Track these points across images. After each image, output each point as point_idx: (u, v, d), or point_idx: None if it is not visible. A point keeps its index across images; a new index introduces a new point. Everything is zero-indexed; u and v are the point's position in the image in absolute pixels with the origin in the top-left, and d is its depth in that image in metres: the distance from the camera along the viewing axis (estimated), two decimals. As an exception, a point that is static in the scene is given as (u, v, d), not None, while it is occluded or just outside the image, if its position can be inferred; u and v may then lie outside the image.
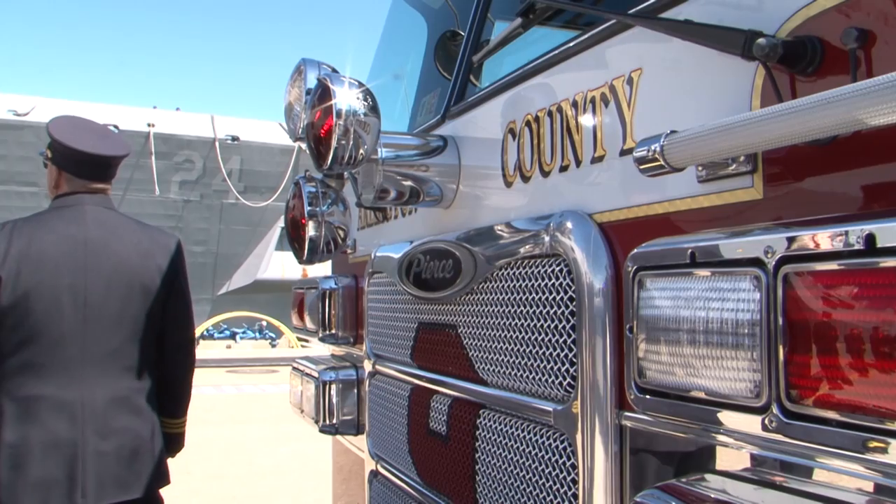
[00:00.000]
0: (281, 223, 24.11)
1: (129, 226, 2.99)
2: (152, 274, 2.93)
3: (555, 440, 1.49)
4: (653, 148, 1.16)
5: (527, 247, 1.63)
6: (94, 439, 2.73)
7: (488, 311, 1.75)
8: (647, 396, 1.23)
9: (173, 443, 3.10)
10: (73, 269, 2.79)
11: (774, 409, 0.99)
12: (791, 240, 0.97)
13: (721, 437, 1.14)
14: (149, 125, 22.88)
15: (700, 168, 1.23)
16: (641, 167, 1.20)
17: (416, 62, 3.13)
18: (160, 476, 2.94)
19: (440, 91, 2.59)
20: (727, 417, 1.09)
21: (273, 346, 23.45)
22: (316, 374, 2.84)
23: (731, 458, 1.15)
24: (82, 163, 2.93)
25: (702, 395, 1.12)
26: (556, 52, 1.69)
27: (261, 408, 12.20)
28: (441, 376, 1.99)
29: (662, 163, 1.15)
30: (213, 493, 6.77)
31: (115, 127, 21.12)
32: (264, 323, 24.48)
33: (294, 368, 3.17)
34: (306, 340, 22.01)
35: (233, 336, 24.38)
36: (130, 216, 3.10)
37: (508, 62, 2.08)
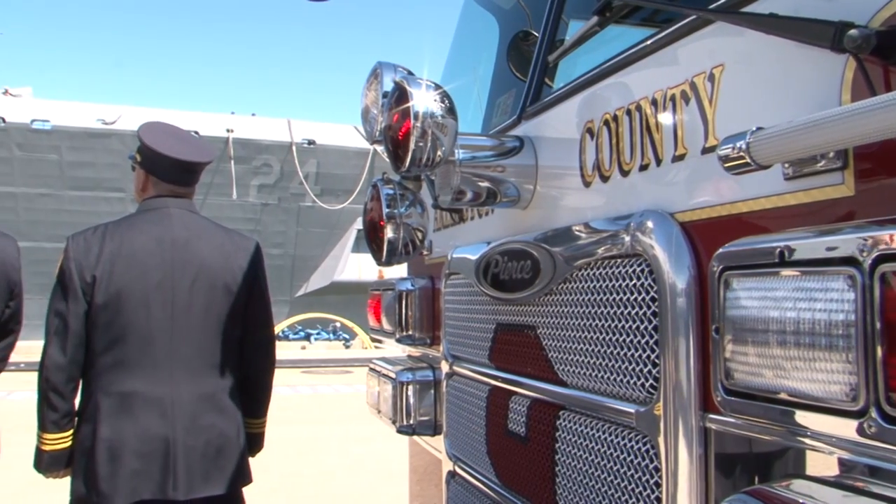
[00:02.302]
0: (357, 225, 24.37)
1: (211, 228, 3.08)
2: (234, 275, 3.01)
3: (637, 442, 1.47)
4: (738, 145, 1.14)
5: (607, 247, 1.61)
6: (183, 435, 2.83)
7: (568, 311, 1.74)
8: (735, 398, 1.20)
9: (253, 442, 3.17)
10: (161, 269, 2.90)
11: (873, 414, 0.96)
12: (890, 237, 0.94)
13: (811, 441, 1.11)
14: (227, 131, 23.40)
15: (786, 165, 1.20)
16: (726, 165, 1.18)
17: (489, 63, 3.13)
18: (243, 474, 3.02)
19: (515, 92, 2.59)
20: (819, 421, 1.05)
21: (347, 347, 23.68)
22: (393, 375, 2.86)
23: (822, 462, 1.11)
24: (169, 168, 3.03)
25: (792, 397, 1.09)
26: (634, 49, 1.66)
27: (335, 408, 12.34)
28: (520, 377, 1.98)
29: (748, 160, 1.13)
30: (290, 492, 6.87)
31: (196, 133, 21.72)
32: (338, 324, 24.74)
33: (371, 369, 3.20)
34: (380, 341, 22.07)
35: (307, 337, 24.71)
36: (212, 219, 3.18)
37: (583, 61, 2.07)
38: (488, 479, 2.17)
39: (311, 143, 24.63)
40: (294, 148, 24.29)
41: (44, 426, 2.88)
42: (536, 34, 2.75)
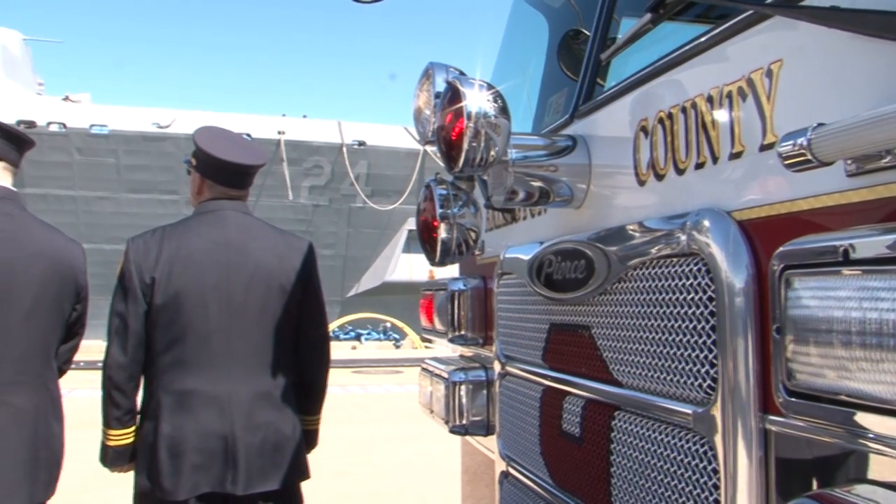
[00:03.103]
0: (408, 226, 24.49)
1: (265, 230, 3.13)
2: (288, 275, 3.06)
3: (694, 443, 1.45)
4: (799, 142, 1.11)
5: (662, 246, 1.59)
6: (241, 432, 2.89)
7: (623, 311, 1.73)
8: (797, 400, 1.18)
9: (308, 439, 3.21)
10: (218, 270, 2.95)
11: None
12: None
13: (876, 445, 1.08)
14: (279, 133, 23.69)
15: (849, 161, 1.17)
16: (786, 162, 1.15)
17: (538, 63, 3.12)
18: (299, 470, 3.07)
19: (567, 91, 2.57)
20: (885, 423, 1.03)
21: (397, 347, 23.80)
22: (446, 375, 2.86)
23: (887, 466, 1.09)
24: (225, 171, 3.09)
25: (857, 399, 1.06)
26: (689, 46, 1.64)
27: (385, 407, 12.40)
28: (574, 377, 1.97)
29: (810, 157, 1.10)
30: (340, 491, 6.93)
31: (248, 135, 22.09)
32: (388, 324, 24.87)
33: (423, 369, 3.21)
34: (430, 341, 22.16)
35: (357, 337, 24.89)
36: (266, 221, 3.23)
37: (635, 59, 2.05)
38: (542, 479, 2.17)
39: (361, 144, 24.82)
40: (345, 149, 24.50)
41: (108, 423, 2.97)
42: (587, 32, 2.72)
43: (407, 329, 23.80)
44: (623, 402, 1.73)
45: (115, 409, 2.95)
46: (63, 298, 2.99)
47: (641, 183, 1.79)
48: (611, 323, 1.79)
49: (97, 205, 23.89)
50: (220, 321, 2.93)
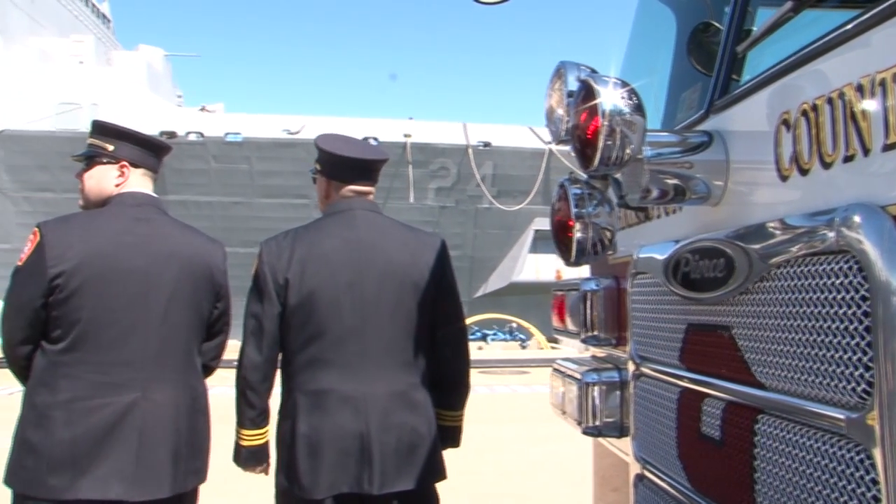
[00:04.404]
0: (535, 226, 24.45)
1: (396, 227, 3.18)
2: (421, 272, 3.09)
3: (849, 451, 1.38)
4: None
5: (808, 244, 1.53)
6: (376, 431, 2.92)
7: (766, 311, 1.67)
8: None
9: (448, 435, 3.23)
10: (350, 268, 3.01)
11: None
12: None
13: None
14: (405, 136, 24.07)
15: None
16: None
17: (666, 58, 3.06)
18: (435, 470, 3.09)
19: (700, 85, 2.51)
20: None
21: (523, 347, 23.74)
22: (579, 376, 2.83)
23: None
24: (350, 169, 3.17)
25: None
26: (835, 34, 1.57)
27: (512, 408, 12.39)
28: (713, 379, 1.92)
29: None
30: (470, 490, 6.96)
31: (375, 139, 22.56)
32: (514, 325, 24.84)
33: (555, 370, 3.19)
34: (556, 341, 22.08)
35: (483, 338, 24.95)
36: (395, 219, 3.28)
37: (772, 51, 1.97)
38: (679, 483, 2.12)
39: (486, 145, 24.94)
40: (470, 150, 24.66)
41: (242, 423, 3.08)
42: (718, 25, 2.65)
43: (533, 329, 23.71)
44: (766, 404, 1.67)
45: (249, 410, 3.05)
46: (200, 298, 3.09)
47: (784, 178, 1.73)
48: (753, 323, 1.73)
49: (232, 209, 24.91)
50: (353, 320, 2.99)
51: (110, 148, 3.12)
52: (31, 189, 24.10)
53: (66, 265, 2.83)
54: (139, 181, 3.13)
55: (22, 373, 2.95)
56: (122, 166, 3.10)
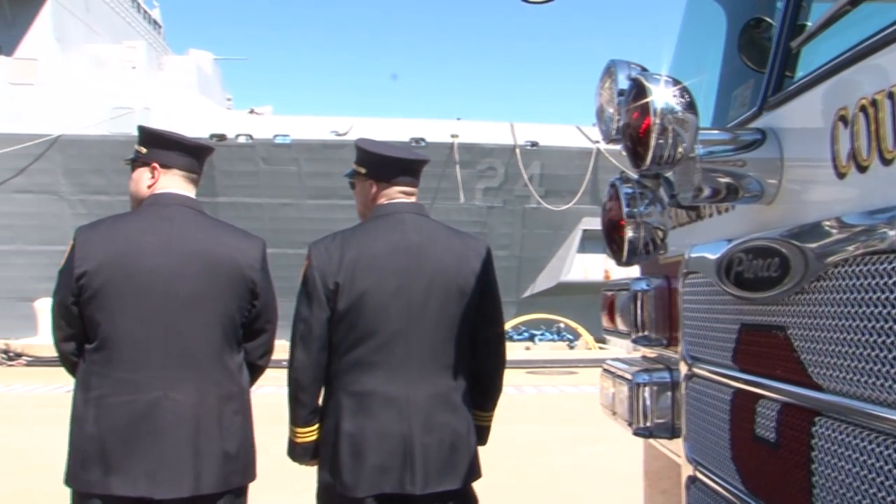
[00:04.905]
0: (583, 225, 24.32)
1: (443, 231, 3.20)
2: (467, 277, 3.11)
3: (910, 454, 1.36)
4: None
5: (866, 242, 1.50)
6: (419, 433, 2.97)
7: (823, 311, 1.64)
8: None
9: (479, 434, 3.26)
10: (398, 272, 3.04)
11: None
12: None
13: None
14: (452, 136, 24.08)
15: None
16: None
17: (716, 54, 3.02)
18: (474, 470, 3.14)
19: (753, 82, 2.48)
20: None
21: (571, 347, 23.58)
22: (629, 377, 2.81)
23: None
24: (395, 170, 3.20)
25: None
26: (894, 28, 1.54)
27: (560, 408, 12.34)
28: (767, 380, 1.89)
29: None
30: (517, 491, 6.96)
31: (423, 140, 22.64)
32: (562, 325, 24.71)
33: (605, 370, 3.17)
34: (604, 342, 21.95)
35: (531, 338, 24.84)
36: (442, 222, 3.29)
37: (828, 45, 1.94)
38: (733, 485, 2.09)
39: (533, 144, 24.84)
40: (517, 150, 24.59)
41: (294, 421, 3.14)
42: (769, 20, 2.61)
43: (581, 330, 23.56)
44: (824, 406, 1.64)
45: (301, 409, 3.11)
46: (227, 296, 3.08)
47: (841, 175, 1.70)
48: (809, 323, 1.70)
49: (281, 211, 25.13)
50: (400, 324, 3.02)
51: (144, 151, 3.21)
52: (87, 192, 24.63)
53: (89, 266, 2.95)
54: (172, 182, 3.18)
55: (71, 370, 3.10)
56: (154, 168, 3.18)
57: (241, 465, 3.07)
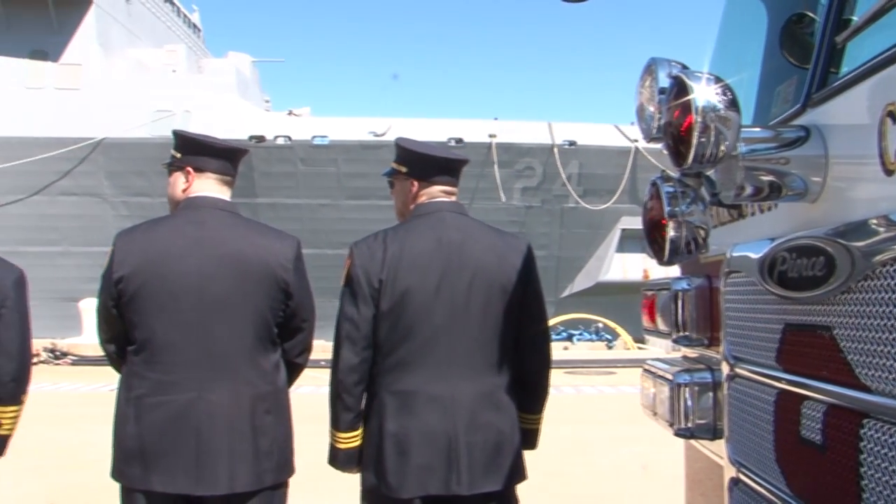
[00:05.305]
0: (621, 225, 24.15)
1: (483, 230, 3.19)
2: (508, 275, 3.09)
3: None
4: None
5: (917, 241, 1.47)
6: (463, 432, 2.94)
7: (871, 311, 1.60)
8: None
9: (528, 438, 3.23)
10: (439, 271, 3.03)
11: None
12: None
13: None
14: (490, 136, 24.05)
15: None
16: None
17: (757, 51, 2.98)
18: (518, 471, 3.10)
19: (796, 78, 2.44)
20: None
21: (609, 347, 23.44)
22: (670, 377, 2.78)
23: None
24: (436, 168, 3.20)
25: None
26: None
27: (599, 409, 12.29)
28: (813, 381, 1.86)
29: None
30: (556, 491, 6.92)
31: (460, 139, 22.63)
32: (600, 325, 24.56)
33: (645, 370, 3.14)
34: (642, 341, 21.79)
35: (569, 338, 24.71)
36: (482, 221, 3.28)
37: (875, 40, 1.90)
38: (778, 488, 2.06)
39: (571, 144, 24.72)
40: (556, 150, 24.49)
41: (337, 426, 3.11)
42: (813, 16, 2.58)
43: (619, 329, 23.41)
44: (873, 408, 1.60)
45: (345, 413, 3.07)
46: (259, 297, 3.11)
47: (889, 172, 1.66)
48: (856, 323, 1.66)
49: (320, 212, 25.27)
50: (443, 322, 3.00)
51: (178, 156, 3.27)
52: (129, 194, 25.01)
53: (126, 270, 3.05)
54: (206, 185, 3.22)
55: (117, 368, 3.22)
56: (188, 172, 3.24)
57: (275, 464, 3.10)
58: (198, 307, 3.02)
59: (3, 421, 3.55)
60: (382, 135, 23.85)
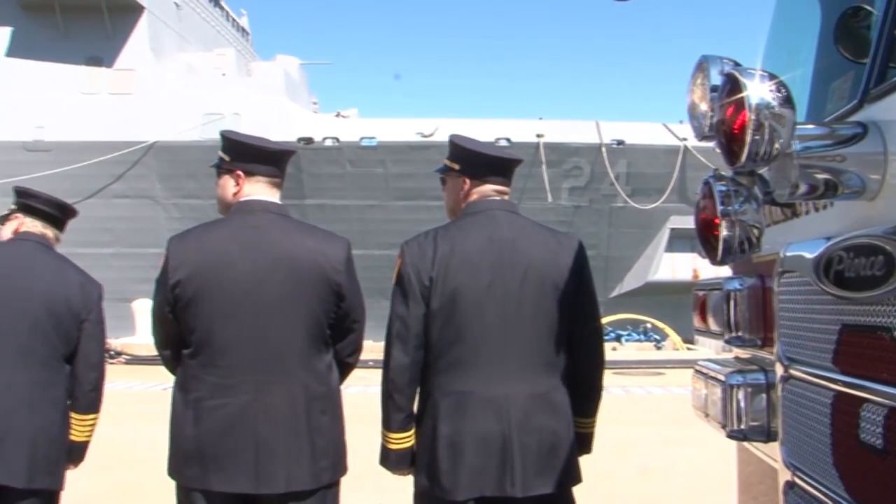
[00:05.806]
0: (670, 224, 23.89)
1: (535, 228, 3.17)
2: (561, 272, 3.06)
3: None
4: None
5: (980, 239, 1.43)
6: (517, 434, 2.91)
7: (933, 311, 1.57)
8: None
9: (582, 442, 3.19)
10: (491, 269, 3.01)
11: None
12: None
13: None
14: (537, 136, 23.98)
15: None
16: None
17: (810, 46, 2.93)
18: (573, 473, 3.07)
19: (853, 74, 2.39)
20: None
21: (658, 348, 23.19)
22: (722, 378, 2.74)
23: None
24: (489, 167, 3.19)
25: None
26: None
27: (648, 410, 12.18)
28: (872, 383, 1.81)
29: None
30: (604, 492, 6.85)
31: (508, 140, 22.60)
32: (649, 325, 24.33)
33: (697, 371, 3.10)
34: (692, 342, 21.53)
35: (618, 338, 24.51)
36: (533, 220, 3.26)
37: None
38: (836, 492, 2.01)
39: (620, 143, 24.54)
40: (604, 149, 24.32)
41: (389, 426, 3.09)
42: (870, 9, 2.52)
43: (668, 330, 23.16)
44: (935, 411, 1.57)
45: (397, 413, 3.06)
46: (312, 299, 3.13)
47: (951, 169, 1.62)
48: (918, 324, 1.63)
49: (368, 213, 25.44)
50: (495, 321, 2.98)
51: (227, 159, 3.29)
52: (180, 196, 25.48)
53: (182, 275, 3.08)
54: (256, 189, 3.25)
55: (172, 370, 3.27)
56: (237, 175, 3.26)
57: (331, 463, 3.13)
58: (253, 311, 3.06)
59: (83, 428, 3.69)
60: (430, 135, 23.92)
